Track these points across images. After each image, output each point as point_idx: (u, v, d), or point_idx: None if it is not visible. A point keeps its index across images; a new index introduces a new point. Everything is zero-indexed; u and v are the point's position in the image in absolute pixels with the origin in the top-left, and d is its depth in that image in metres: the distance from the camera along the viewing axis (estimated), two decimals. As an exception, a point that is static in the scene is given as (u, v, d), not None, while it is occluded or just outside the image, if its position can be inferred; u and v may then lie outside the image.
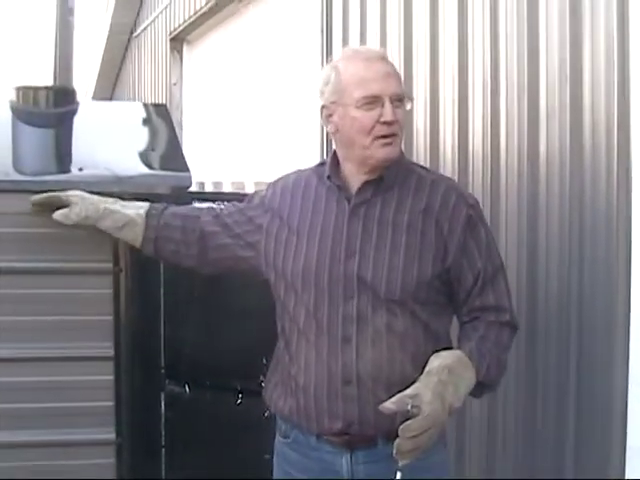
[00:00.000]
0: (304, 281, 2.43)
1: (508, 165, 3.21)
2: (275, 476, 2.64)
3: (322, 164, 2.59)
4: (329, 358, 2.39)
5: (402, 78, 2.48)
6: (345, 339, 2.38)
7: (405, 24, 3.96)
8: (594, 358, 2.80)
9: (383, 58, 2.43)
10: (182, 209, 2.79)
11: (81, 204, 2.81)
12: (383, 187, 2.43)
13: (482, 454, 3.41)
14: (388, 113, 2.34)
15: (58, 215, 2.85)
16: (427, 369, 2.27)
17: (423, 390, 2.20)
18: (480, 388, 2.37)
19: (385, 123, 2.35)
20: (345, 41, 4.59)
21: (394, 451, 2.18)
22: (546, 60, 2.99)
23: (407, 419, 2.17)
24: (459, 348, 2.37)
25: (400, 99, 2.39)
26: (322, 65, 4.83)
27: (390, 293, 2.36)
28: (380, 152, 2.38)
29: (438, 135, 3.71)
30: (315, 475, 2.48)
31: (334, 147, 2.52)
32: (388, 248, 2.37)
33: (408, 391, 2.22)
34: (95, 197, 2.84)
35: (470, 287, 2.40)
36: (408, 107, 2.43)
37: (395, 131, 2.38)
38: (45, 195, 2.90)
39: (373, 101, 2.35)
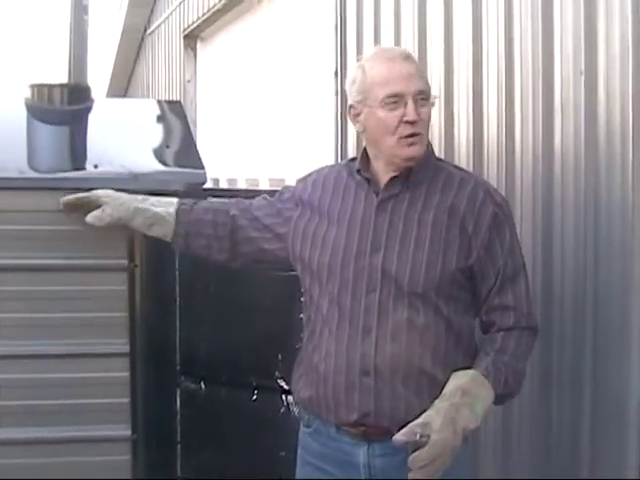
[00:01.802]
0: (330, 272, 2.45)
1: (523, 157, 3.20)
2: (298, 466, 2.64)
3: (353, 159, 2.61)
4: (349, 348, 2.40)
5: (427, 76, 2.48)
6: (365, 330, 2.39)
7: (419, 19, 3.95)
8: (609, 354, 2.79)
9: (407, 57, 2.44)
10: (213, 203, 2.80)
11: (112, 205, 2.82)
12: (411, 183, 2.44)
13: (497, 455, 3.40)
14: (411, 112, 2.36)
15: (91, 218, 2.87)
16: (442, 393, 2.29)
17: (434, 417, 2.22)
18: (500, 399, 2.38)
19: (408, 122, 2.37)
20: (359, 37, 4.58)
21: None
22: (560, 52, 2.98)
23: (418, 448, 2.18)
24: (477, 364, 2.37)
25: (425, 97, 2.40)
26: (336, 62, 4.83)
27: (413, 285, 2.37)
28: (405, 152, 2.39)
29: (453, 128, 3.70)
30: (335, 465, 2.48)
31: (364, 144, 2.54)
32: (413, 243, 2.39)
33: (419, 420, 2.23)
34: (125, 196, 2.85)
35: (491, 285, 2.41)
36: (434, 104, 2.44)
37: (419, 130, 2.39)
38: (75, 196, 2.90)
39: (396, 101, 2.37)
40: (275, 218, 2.64)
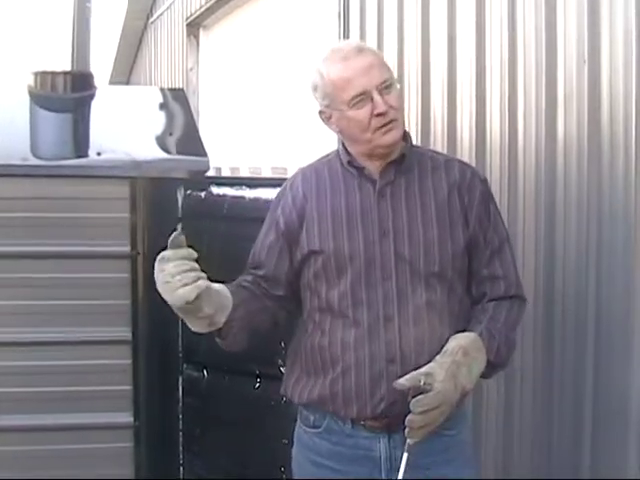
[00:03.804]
0: (338, 267, 2.42)
1: (526, 149, 3.20)
2: (301, 467, 2.57)
3: (326, 156, 2.59)
4: (371, 339, 2.38)
5: (389, 59, 2.50)
6: (387, 318, 2.38)
7: (422, 7, 3.94)
8: (611, 354, 2.78)
9: (361, 51, 2.42)
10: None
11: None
12: (404, 168, 2.45)
13: (498, 454, 3.40)
14: (379, 105, 2.35)
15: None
16: (443, 349, 2.30)
17: (437, 369, 2.23)
18: (490, 369, 2.38)
19: (379, 115, 2.36)
20: (362, 25, 4.57)
21: (406, 430, 2.20)
22: (564, 42, 2.97)
23: (419, 394, 2.19)
24: (470, 330, 2.38)
25: (388, 85, 2.39)
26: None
27: (430, 265, 2.38)
28: (383, 140, 2.39)
29: (455, 119, 3.69)
30: (349, 462, 2.46)
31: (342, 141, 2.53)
32: (420, 223, 2.41)
33: (422, 370, 2.23)
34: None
35: (481, 257, 2.46)
36: (397, 87, 2.43)
37: (392, 117, 2.39)
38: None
39: (362, 99, 2.36)
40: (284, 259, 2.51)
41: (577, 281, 2.94)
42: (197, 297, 2.17)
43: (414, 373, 2.23)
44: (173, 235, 2.18)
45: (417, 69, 3.90)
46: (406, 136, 2.50)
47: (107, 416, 3.35)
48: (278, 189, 3.29)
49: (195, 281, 2.17)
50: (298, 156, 6.69)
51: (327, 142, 4.85)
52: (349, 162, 2.48)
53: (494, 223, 2.49)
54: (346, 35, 4.67)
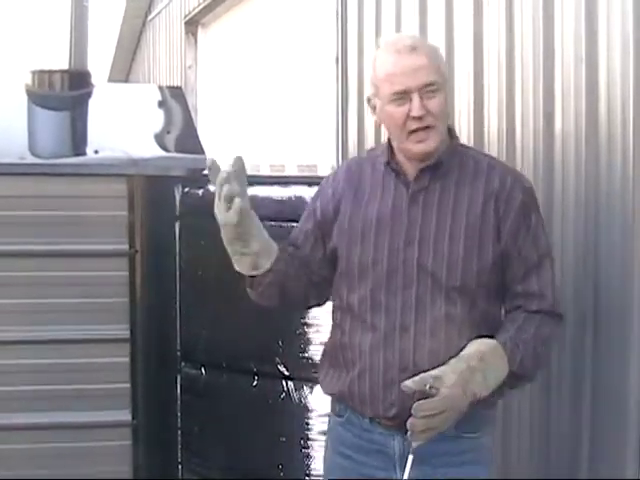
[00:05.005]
0: (361, 269, 2.41)
1: (524, 145, 3.19)
2: (327, 454, 2.61)
3: (371, 150, 2.58)
4: (386, 346, 2.37)
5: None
6: (403, 327, 2.36)
7: (420, 6, 3.94)
8: (609, 353, 2.76)
9: (415, 49, 2.37)
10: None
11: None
12: (441, 173, 2.40)
13: (496, 455, 3.40)
14: (415, 108, 2.32)
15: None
16: (461, 354, 2.26)
17: (448, 374, 2.19)
18: (514, 379, 2.34)
19: (414, 118, 2.33)
20: (360, 23, 4.56)
21: (408, 433, 2.18)
22: (562, 40, 2.97)
23: (425, 398, 2.17)
24: (495, 338, 2.32)
25: (434, 89, 2.34)
26: (337, 48, 4.81)
27: (452, 279, 2.34)
28: (415, 148, 2.36)
29: (453, 119, 3.69)
30: (368, 454, 2.44)
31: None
32: (447, 235, 2.36)
33: (432, 372, 2.21)
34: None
35: (515, 272, 2.38)
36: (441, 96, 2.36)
37: (428, 123, 2.34)
38: None
39: (402, 97, 2.33)
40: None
41: (575, 280, 2.94)
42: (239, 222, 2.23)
43: (424, 375, 2.20)
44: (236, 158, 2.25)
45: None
46: (452, 135, 2.45)
47: (105, 414, 3.36)
48: (276, 187, 3.29)
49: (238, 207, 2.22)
50: (296, 154, 6.70)
51: (325, 140, 4.83)
52: (387, 163, 2.45)
53: (534, 236, 2.39)
54: (344, 34, 4.66)
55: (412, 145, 2.36)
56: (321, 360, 2.61)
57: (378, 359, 2.38)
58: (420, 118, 2.32)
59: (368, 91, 2.50)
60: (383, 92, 2.37)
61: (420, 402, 2.16)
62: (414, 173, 2.41)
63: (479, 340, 2.29)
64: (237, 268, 2.35)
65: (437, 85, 2.35)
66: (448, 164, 2.41)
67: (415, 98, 2.32)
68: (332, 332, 2.53)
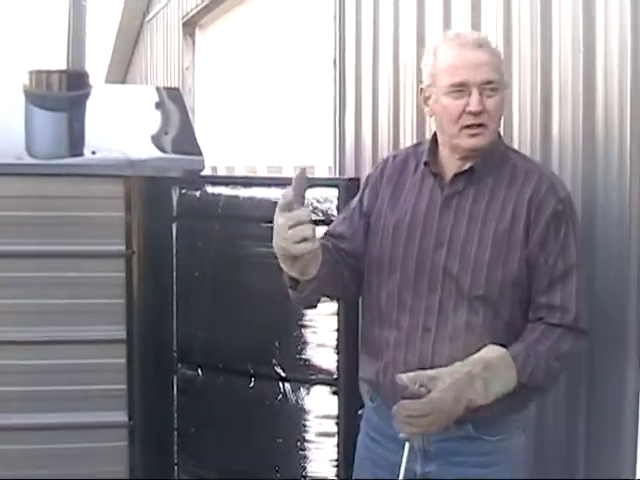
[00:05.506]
0: (390, 266, 2.43)
1: (521, 142, 3.19)
2: (360, 439, 2.63)
3: (419, 144, 2.58)
4: (408, 346, 2.39)
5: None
6: (425, 329, 2.37)
7: (418, 7, 3.94)
8: (606, 356, 2.76)
9: (481, 45, 2.38)
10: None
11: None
12: (475, 178, 2.40)
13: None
14: (474, 103, 2.32)
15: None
16: (467, 358, 2.24)
17: (444, 377, 2.19)
18: (525, 391, 2.32)
19: (471, 113, 2.33)
20: (358, 26, 4.56)
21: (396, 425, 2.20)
22: (559, 31, 2.97)
23: (412, 397, 2.17)
24: (509, 347, 2.30)
25: (494, 87, 2.35)
26: (335, 50, 4.82)
27: (475, 288, 2.33)
28: (466, 142, 2.36)
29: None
30: (393, 441, 2.38)
31: (434, 129, 2.50)
32: (476, 242, 2.35)
33: (430, 372, 2.21)
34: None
35: (540, 282, 2.36)
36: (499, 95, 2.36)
37: (483, 121, 2.34)
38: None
39: (461, 90, 2.33)
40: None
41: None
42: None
43: (421, 373, 2.20)
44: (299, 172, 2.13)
45: (413, 70, 3.90)
46: (499, 139, 2.45)
47: (102, 415, 3.35)
48: (273, 188, 3.29)
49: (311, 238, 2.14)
50: (294, 155, 6.70)
51: (322, 142, 4.83)
52: (426, 163, 2.45)
53: (562, 246, 2.35)
54: (342, 36, 4.66)
55: (463, 139, 2.36)
56: (361, 343, 2.66)
57: (400, 356, 2.41)
58: (476, 114, 2.32)
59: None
60: (441, 83, 2.36)
61: (404, 402, 2.17)
62: (452, 172, 2.41)
63: (489, 347, 2.28)
64: (286, 270, 2.26)
65: (497, 84, 2.36)
66: (485, 169, 2.39)
67: (474, 93, 2.32)
68: (364, 320, 2.56)
